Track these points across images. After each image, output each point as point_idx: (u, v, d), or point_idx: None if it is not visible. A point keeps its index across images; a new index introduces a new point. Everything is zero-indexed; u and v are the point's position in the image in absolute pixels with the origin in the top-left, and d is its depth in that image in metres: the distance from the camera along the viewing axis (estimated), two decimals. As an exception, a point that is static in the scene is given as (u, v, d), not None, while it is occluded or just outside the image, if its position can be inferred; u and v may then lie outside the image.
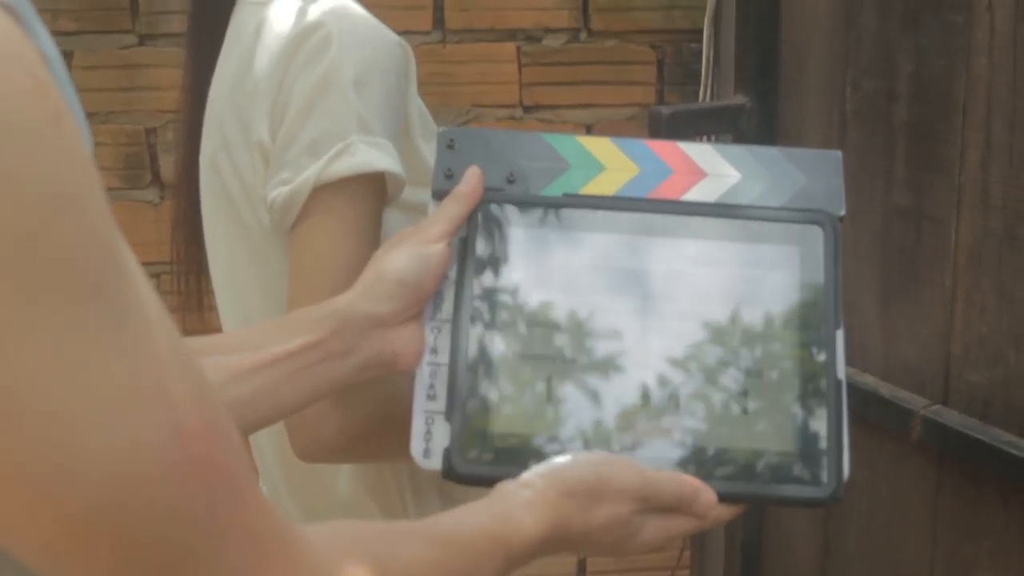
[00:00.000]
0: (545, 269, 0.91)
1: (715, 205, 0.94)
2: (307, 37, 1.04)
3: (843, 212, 0.94)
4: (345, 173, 1.01)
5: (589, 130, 2.23)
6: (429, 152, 1.12)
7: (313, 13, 1.06)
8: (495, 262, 0.91)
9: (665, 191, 0.94)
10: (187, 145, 1.23)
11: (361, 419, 1.03)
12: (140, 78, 2.16)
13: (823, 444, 0.87)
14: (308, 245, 1.02)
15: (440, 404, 0.88)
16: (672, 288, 0.90)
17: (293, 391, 0.88)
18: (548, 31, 2.21)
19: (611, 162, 0.95)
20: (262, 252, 1.11)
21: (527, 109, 2.23)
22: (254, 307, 1.15)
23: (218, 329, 1.24)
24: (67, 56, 2.19)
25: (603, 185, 0.94)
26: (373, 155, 1.01)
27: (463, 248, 0.91)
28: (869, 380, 1.59)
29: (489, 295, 0.89)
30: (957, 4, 1.44)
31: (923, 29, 1.50)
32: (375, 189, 1.02)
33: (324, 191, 1.01)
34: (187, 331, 2.40)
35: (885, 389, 1.57)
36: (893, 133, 1.57)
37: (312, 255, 1.02)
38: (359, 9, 1.09)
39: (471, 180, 0.94)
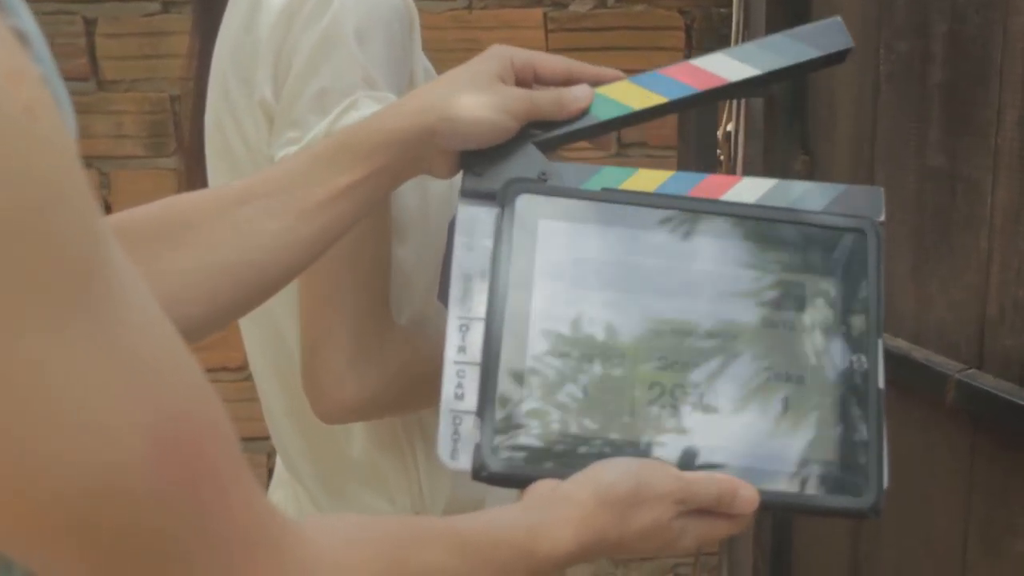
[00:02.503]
0: (583, 264, 0.88)
1: (756, 207, 0.91)
2: (299, 8, 1.04)
3: (883, 217, 0.92)
4: None
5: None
6: None
7: None
8: (531, 256, 0.87)
9: (703, 191, 0.92)
10: (197, 111, 1.23)
11: (377, 379, 1.04)
12: (164, 45, 2.15)
13: (864, 454, 0.85)
14: None
15: (468, 404, 0.85)
16: (713, 290, 0.88)
17: (354, 219, 0.89)
18: (575, -4, 2.19)
19: (646, 163, 0.93)
20: None
21: (553, 75, 2.21)
22: None
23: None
24: (90, 23, 2.18)
25: (640, 184, 0.92)
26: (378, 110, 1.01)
27: (497, 243, 0.88)
28: (902, 344, 1.57)
29: (525, 291, 0.86)
30: (994, -39, 1.42)
31: (959, -12, 1.47)
32: None
33: None
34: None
35: (918, 353, 1.56)
36: (927, 95, 1.54)
37: None
38: None
39: (583, 93, 0.93)
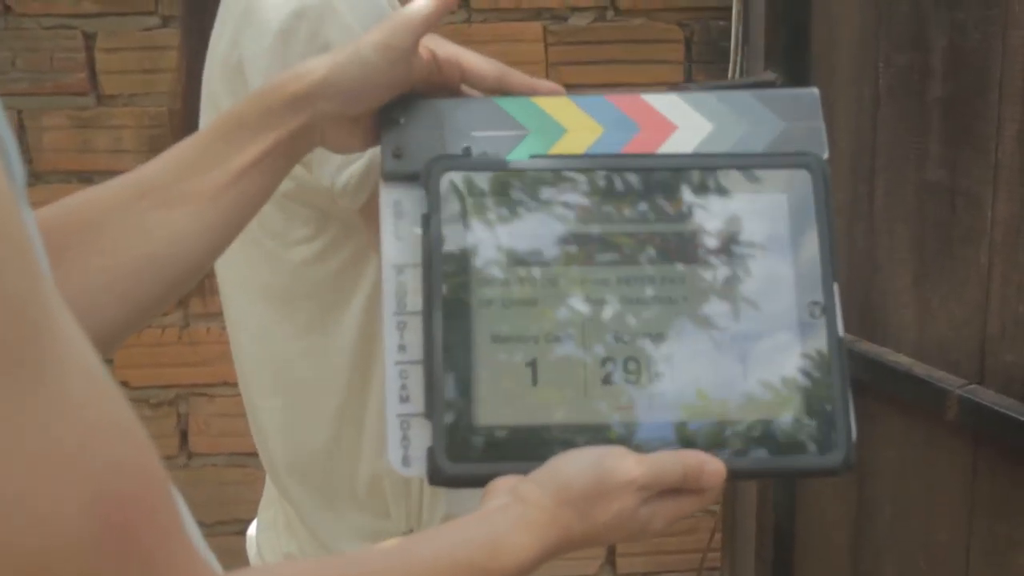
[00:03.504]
0: (519, 241, 0.83)
1: (693, 156, 0.86)
2: (294, 31, 1.04)
3: (827, 154, 0.87)
4: None
5: (616, 110, 2.21)
6: None
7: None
8: (463, 238, 0.82)
9: (636, 148, 0.87)
10: (186, 127, 1.23)
11: None
12: (163, 60, 2.14)
13: (829, 408, 0.81)
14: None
15: (415, 406, 0.81)
16: (656, 249, 0.83)
17: (264, 196, 0.84)
18: (574, 10, 2.19)
19: (573, 123, 0.87)
20: (261, 228, 1.12)
21: (553, 89, 2.21)
22: (255, 285, 1.17)
23: (220, 313, 1.25)
24: (90, 38, 2.18)
25: (569, 147, 0.87)
26: None
27: (426, 227, 0.82)
28: (903, 360, 1.57)
29: (460, 276, 0.82)
30: (993, -24, 1.42)
31: (958, 2, 1.47)
32: None
33: None
34: (191, 314, 2.37)
35: (920, 369, 1.55)
36: (927, 109, 1.54)
37: None
38: None
39: None
